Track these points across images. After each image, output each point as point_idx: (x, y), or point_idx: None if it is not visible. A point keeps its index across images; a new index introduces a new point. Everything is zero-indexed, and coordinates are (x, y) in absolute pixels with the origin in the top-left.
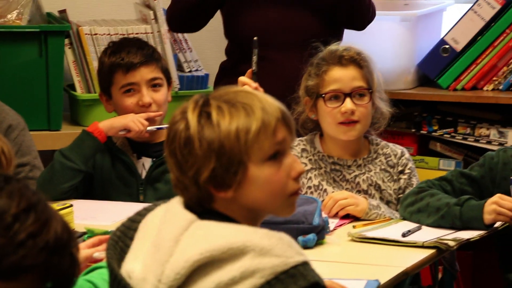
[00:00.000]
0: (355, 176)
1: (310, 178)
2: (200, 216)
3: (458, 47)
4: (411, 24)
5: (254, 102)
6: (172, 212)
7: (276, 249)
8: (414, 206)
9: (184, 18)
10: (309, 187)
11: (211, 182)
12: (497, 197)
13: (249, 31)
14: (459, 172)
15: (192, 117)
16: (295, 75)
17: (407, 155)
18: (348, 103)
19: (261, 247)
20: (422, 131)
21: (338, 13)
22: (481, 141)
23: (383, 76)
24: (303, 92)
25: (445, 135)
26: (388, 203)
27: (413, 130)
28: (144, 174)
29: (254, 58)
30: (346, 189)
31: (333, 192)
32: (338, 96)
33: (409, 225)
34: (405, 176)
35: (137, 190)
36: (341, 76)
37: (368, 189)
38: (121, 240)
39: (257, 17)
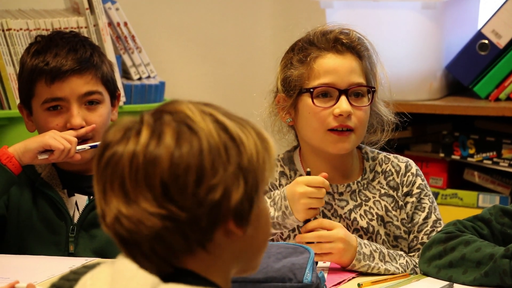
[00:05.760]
0: (350, 211)
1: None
2: (165, 279)
3: (501, 43)
4: (436, 13)
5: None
6: (125, 276)
7: None
8: (444, 259)
9: None
10: (293, 231)
11: (234, 213)
12: None
13: None
14: (500, 209)
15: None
16: None
17: (414, 169)
18: (344, 103)
19: None
20: (454, 156)
21: None
22: None
23: (399, 82)
24: (279, 86)
25: (486, 161)
26: (396, 238)
27: (442, 155)
28: (76, 217)
29: None
30: None
31: None
32: (330, 93)
33: (436, 283)
34: (413, 199)
35: (67, 237)
36: (337, 67)
37: (369, 226)
38: None
39: None
